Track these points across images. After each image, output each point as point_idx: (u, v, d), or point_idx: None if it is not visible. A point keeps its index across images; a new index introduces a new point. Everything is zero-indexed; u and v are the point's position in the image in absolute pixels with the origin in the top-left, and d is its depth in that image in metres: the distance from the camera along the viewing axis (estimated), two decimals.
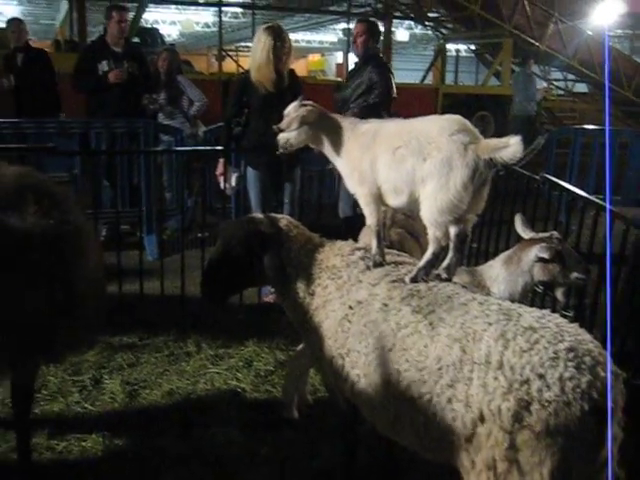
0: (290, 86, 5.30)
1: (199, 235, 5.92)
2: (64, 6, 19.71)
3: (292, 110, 3.02)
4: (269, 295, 5.34)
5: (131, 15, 9.63)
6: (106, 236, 6.57)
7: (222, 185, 5.50)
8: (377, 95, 5.95)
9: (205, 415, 3.91)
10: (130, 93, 6.85)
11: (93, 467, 3.46)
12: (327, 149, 3.03)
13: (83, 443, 3.61)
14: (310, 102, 3.07)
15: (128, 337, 4.79)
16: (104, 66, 6.76)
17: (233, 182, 5.53)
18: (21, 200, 2.60)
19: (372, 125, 2.95)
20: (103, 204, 6.38)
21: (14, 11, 23.76)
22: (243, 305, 5.25)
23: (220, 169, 5.46)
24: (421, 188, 2.69)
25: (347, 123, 2.99)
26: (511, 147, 2.53)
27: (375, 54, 6.28)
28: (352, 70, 6.48)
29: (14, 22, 8.17)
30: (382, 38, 19.89)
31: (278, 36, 5.13)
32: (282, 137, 3.03)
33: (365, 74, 6.03)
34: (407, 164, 2.70)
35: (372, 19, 7.24)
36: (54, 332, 2.78)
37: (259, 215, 3.24)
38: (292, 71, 5.49)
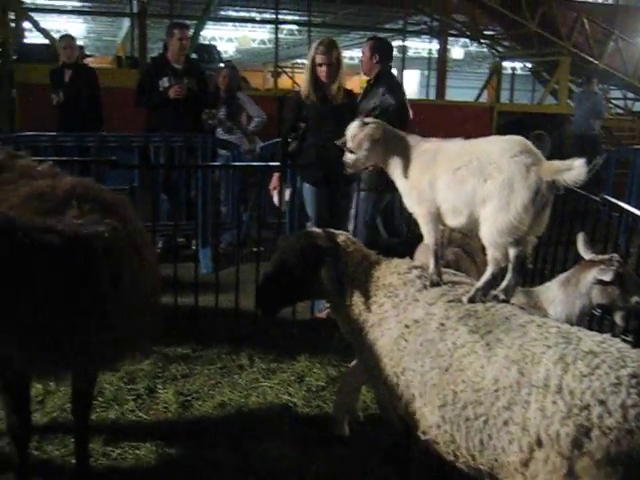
0: (346, 103, 5.35)
1: (254, 249, 5.99)
2: (126, 23, 20.28)
3: (356, 130, 3.04)
4: (322, 311, 5.36)
5: (190, 32, 9.82)
6: (162, 248, 6.69)
7: (275, 200, 5.57)
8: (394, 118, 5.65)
9: (257, 429, 3.93)
10: (189, 109, 6.99)
11: (146, 475, 3.52)
12: (388, 166, 3.04)
13: (137, 451, 3.67)
14: (372, 119, 3.10)
15: (182, 348, 4.86)
16: (165, 82, 6.93)
17: (287, 197, 5.59)
18: (66, 206, 2.67)
19: (433, 144, 2.96)
20: (160, 217, 6.51)
21: (79, 28, 24.55)
22: (295, 320, 5.28)
23: (274, 183, 5.53)
24: (481, 209, 2.68)
25: (411, 140, 3.00)
26: (575, 170, 2.50)
27: (385, 73, 6.10)
28: (363, 91, 6.30)
29: (66, 38, 8.36)
30: (437, 55, 20.02)
31: (325, 50, 5.20)
32: (350, 158, 3.06)
33: (377, 96, 5.90)
34: (467, 184, 2.70)
35: (381, 37, 7.15)
36: (107, 336, 2.83)
37: (317, 229, 3.27)
38: (349, 90, 5.53)
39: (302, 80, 5.36)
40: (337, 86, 5.32)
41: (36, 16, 13.73)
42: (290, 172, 5.85)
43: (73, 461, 3.41)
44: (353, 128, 3.06)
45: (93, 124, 7.78)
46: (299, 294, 3.33)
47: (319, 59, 5.22)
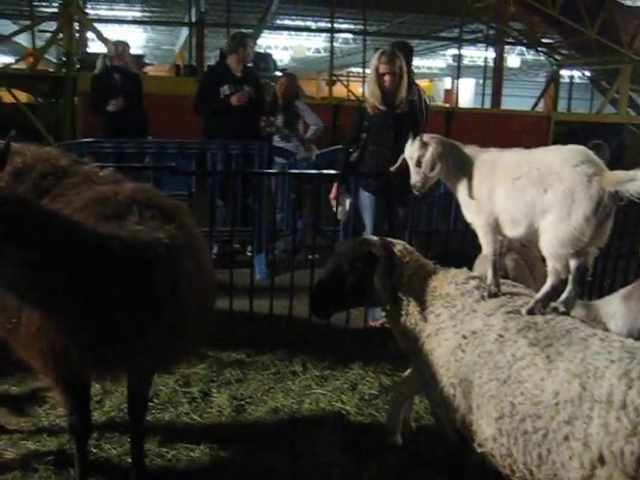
0: (408, 111, 5.35)
1: (309, 257, 6.02)
2: (184, 32, 20.65)
3: (419, 151, 3.04)
4: (376, 320, 5.36)
5: None
6: (217, 254, 6.78)
7: (335, 209, 5.60)
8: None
9: (309, 435, 3.95)
10: (248, 116, 7.08)
11: (199, 477, 3.57)
12: (447, 177, 3.04)
13: (191, 453, 3.72)
14: (429, 135, 3.10)
15: (237, 353, 4.92)
16: (226, 90, 7.04)
17: (347, 206, 5.61)
18: (127, 211, 2.73)
19: (492, 154, 2.94)
20: (216, 222, 6.60)
21: (139, 38, 25.13)
22: (349, 328, 5.29)
23: (334, 193, 5.56)
24: (541, 219, 2.65)
25: (469, 151, 2.99)
26: (638, 180, 2.45)
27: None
28: None
29: (122, 44, 8.43)
30: (493, 64, 19.80)
31: (387, 60, 5.22)
32: (418, 179, 3.07)
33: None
34: (527, 195, 2.67)
35: (401, 41, 7.07)
36: (164, 339, 2.89)
37: (374, 237, 3.28)
38: (411, 99, 5.52)
39: (367, 87, 5.36)
40: (401, 95, 5.32)
41: (99, 26, 14.11)
42: (349, 181, 5.86)
43: (129, 460, 3.47)
44: (415, 149, 3.06)
45: (139, 130, 7.83)
46: (351, 300, 3.33)
47: (382, 68, 5.24)
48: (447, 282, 3.00)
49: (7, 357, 3.10)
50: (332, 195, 5.58)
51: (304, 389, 4.49)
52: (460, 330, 2.73)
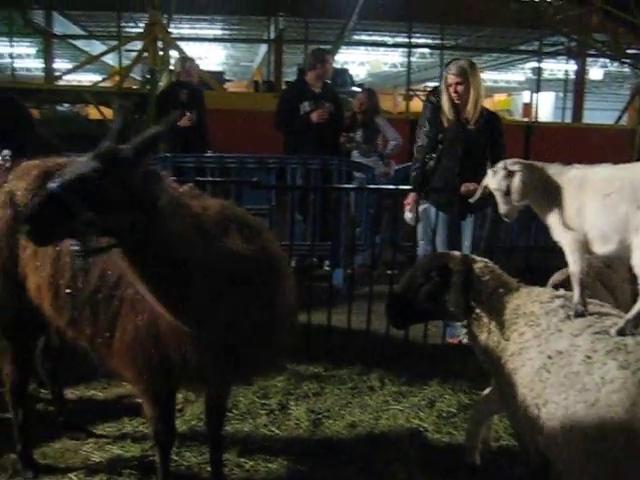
0: (486, 129, 5.27)
1: (387, 272, 6.01)
2: (263, 49, 21.06)
3: (505, 180, 3.01)
4: (454, 337, 5.29)
5: None
6: (295, 267, 6.84)
7: (406, 214, 5.56)
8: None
9: (386, 451, 3.93)
10: (328, 132, 7.14)
11: None
12: (532, 199, 2.99)
13: (269, 465, 3.76)
14: (512, 161, 3.05)
15: (314, 367, 4.94)
16: (306, 106, 7.13)
17: (420, 212, 5.56)
18: (225, 229, 2.77)
19: (579, 171, 2.89)
20: (295, 237, 6.67)
21: (219, 55, 25.74)
22: (427, 344, 5.24)
23: (409, 199, 5.52)
24: (634, 236, 2.58)
25: (552, 169, 2.95)
26: None
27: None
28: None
29: (189, 60, 8.61)
30: (574, 77, 19.36)
31: (456, 71, 5.14)
32: (507, 207, 3.04)
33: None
34: (619, 211, 2.61)
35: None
36: (257, 353, 2.95)
37: (456, 252, 3.26)
38: (492, 114, 5.43)
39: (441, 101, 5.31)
40: (472, 108, 5.20)
41: (181, 44, 14.55)
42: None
43: (209, 469, 3.55)
44: (500, 179, 3.02)
45: (200, 145, 7.90)
46: (425, 312, 3.32)
47: (450, 79, 5.16)
48: (531, 300, 2.95)
49: (93, 364, 3.25)
50: (407, 201, 5.53)
51: (381, 404, 4.47)
52: (545, 350, 2.68)
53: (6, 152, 4.11)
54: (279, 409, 4.40)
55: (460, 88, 5.13)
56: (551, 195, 2.89)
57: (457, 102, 5.19)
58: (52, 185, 2.22)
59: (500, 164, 3.07)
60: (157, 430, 3.12)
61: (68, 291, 2.99)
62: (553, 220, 2.90)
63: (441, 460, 3.84)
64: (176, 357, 2.74)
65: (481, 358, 3.19)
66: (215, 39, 23.04)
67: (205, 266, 2.53)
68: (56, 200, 2.19)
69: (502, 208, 3.06)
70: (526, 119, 21.05)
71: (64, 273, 3.02)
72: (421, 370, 4.90)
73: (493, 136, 5.26)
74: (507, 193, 3.02)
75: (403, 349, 5.11)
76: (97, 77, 21.18)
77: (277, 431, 4.14)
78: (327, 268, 7.06)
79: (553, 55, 21.83)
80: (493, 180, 3.07)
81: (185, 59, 8.71)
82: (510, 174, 3.00)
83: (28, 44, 22.32)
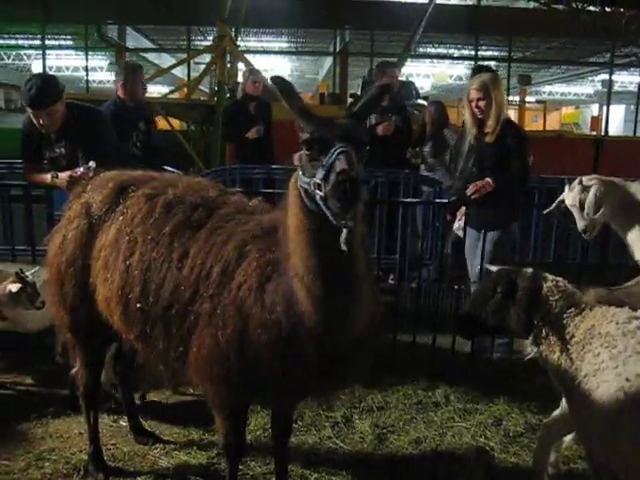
0: (505, 144, 5.05)
1: (455, 287, 5.96)
2: (328, 61, 21.21)
3: (579, 194, 2.98)
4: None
5: None
6: None
7: (456, 224, 5.50)
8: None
9: (451, 468, 3.89)
10: (395, 145, 7.13)
11: None
12: (614, 217, 2.94)
13: (333, 477, 3.77)
14: (593, 176, 3.02)
15: (379, 381, 4.89)
16: (372, 119, 7.14)
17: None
18: None
19: None
20: None
21: (285, 67, 26.07)
22: (494, 360, 5.16)
23: (461, 212, 5.46)
24: None
25: (633, 186, 2.88)
26: None
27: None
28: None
29: (256, 73, 8.75)
30: None
31: (477, 85, 5.08)
32: (584, 223, 3.00)
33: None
34: None
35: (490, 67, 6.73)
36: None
37: (528, 269, 3.21)
38: (516, 130, 5.29)
39: None
40: (494, 122, 5.04)
41: (248, 57, 14.78)
42: None
43: (274, 479, 3.57)
44: (576, 194, 3.00)
45: (267, 157, 7.97)
46: (493, 328, 3.26)
47: (472, 94, 5.12)
48: (607, 321, 2.87)
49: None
50: (459, 212, 5.47)
51: (446, 421, 4.43)
52: (622, 372, 2.61)
53: (92, 164, 4.28)
54: (343, 422, 4.40)
55: (482, 103, 5.06)
56: (633, 213, 2.83)
57: (480, 117, 5.13)
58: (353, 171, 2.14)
59: (577, 180, 3.04)
60: (227, 442, 3.11)
61: (139, 305, 2.99)
62: (635, 239, 2.83)
63: None
64: (270, 373, 2.71)
65: (553, 378, 3.13)
66: (281, 52, 23.34)
67: (361, 258, 2.49)
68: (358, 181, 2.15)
69: (580, 224, 3.02)
70: (594, 132, 20.55)
71: (134, 287, 3.01)
72: (487, 387, 4.81)
73: (512, 152, 5.06)
74: (582, 208, 2.99)
75: (469, 365, 5.03)
76: (166, 89, 21.72)
77: (341, 444, 4.15)
78: (392, 282, 7.03)
79: (625, 67, 21.30)
80: (569, 195, 3.03)
81: (252, 71, 8.84)
82: (586, 189, 2.96)
83: (102, 57, 23.11)
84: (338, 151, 2.17)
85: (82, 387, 3.71)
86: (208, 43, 16.46)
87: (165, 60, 21.41)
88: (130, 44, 19.46)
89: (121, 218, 3.18)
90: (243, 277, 2.72)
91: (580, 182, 2.98)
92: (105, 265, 3.17)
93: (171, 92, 16.33)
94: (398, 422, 4.41)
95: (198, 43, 19.71)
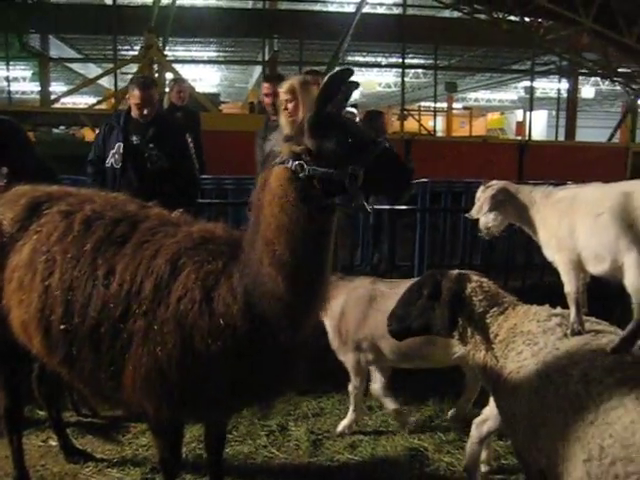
0: None
1: None
2: (257, 70, 21.23)
3: (480, 193, 3.10)
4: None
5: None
6: None
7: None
8: None
9: (387, 471, 3.94)
10: None
11: None
12: (523, 221, 3.04)
13: None
14: (495, 182, 3.12)
15: (313, 387, 4.89)
16: None
17: None
18: (238, 250, 2.73)
19: (568, 191, 2.93)
20: None
21: (214, 77, 25.95)
22: None
23: None
24: (625, 256, 2.60)
25: (538, 192, 3.00)
26: None
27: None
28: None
29: (179, 82, 8.61)
30: (566, 95, 19.47)
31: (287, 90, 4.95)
32: (481, 223, 3.10)
33: None
34: (610, 231, 2.63)
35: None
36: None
37: (453, 271, 3.29)
38: None
39: None
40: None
41: (176, 66, 14.66)
42: None
43: None
44: (477, 196, 3.12)
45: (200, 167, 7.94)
46: (422, 328, 3.28)
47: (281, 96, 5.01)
48: (528, 319, 2.97)
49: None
50: None
51: (381, 424, 4.49)
52: (543, 368, 2.70)
53: (4, 169, 4.16)
54: (279, 430, 4.41)
55: (290, 105, 4.98)
56: (541, 217, 2.93)
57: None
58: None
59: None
60: (164, 458, 3.07)
61: (62, 327, 2.85)
62: (546, 241, 2.93)
63: None
64: (218, 383, 2.72)
65: (479, 376, 3.22)
66: (210, 61, 23.23)
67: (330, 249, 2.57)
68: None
69: (480, 221, 3.11)
70: (519, 137, 21.19)
71: (56, 308, 2.87)
72: (420, 389, 4.89)
73: None
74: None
75: (402, 368, 5.09)
76: (93, 99, 21.31)
77: (277, 452, 4.15)
78: None
79: (545, 74, 22.08)
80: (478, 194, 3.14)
81: (177, 81, 8.72)
82: (486, 189, 3.08)
83: (24, 67, 22.49)
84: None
85: (2, 409, 3.56)
86: (135, 53, 16.23)
87: (91, 70, 21.03)
88: (54, 53, 19.03)
89: (35, 237, 3.03)
90: (183, 290, 2.68)
91: (485, 184, 3.09)
92: (20, 286, 3.00)
93: (98, 103, 16.04)
94: (333, 427, 4.44)
95: (125, 53, 19.41)
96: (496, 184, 3.11)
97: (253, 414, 4.48)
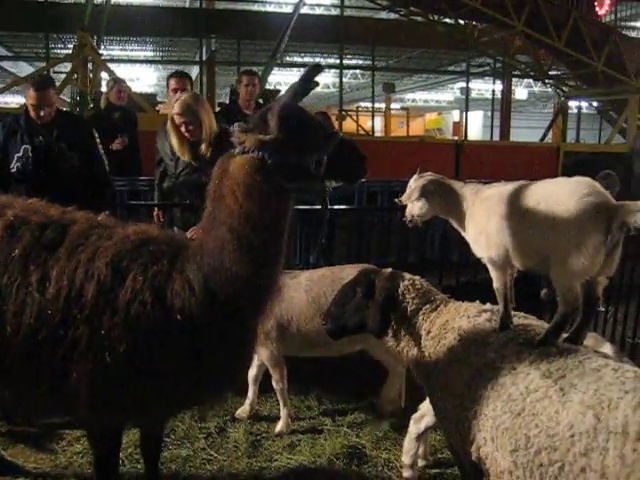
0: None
1: None
2: (195, 70, 21.00)
3: (412, 182, 3.14)
4: None
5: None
6: None
7: None
8: None
9: (326, 469, 3.97)
10: None
11: None
12: (452, 216, 3.09)
13: None
14: (429, 173, 3.17)
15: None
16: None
17: None
18: (180, 250, 2.80)
19: (496, 189, 2.97)
20: None
21: (151, 77, 25.54)
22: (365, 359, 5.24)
23: None
24: (551, 251, 2.68)
25: (469, 189, 3.05)
26: None
27: None
28: None
29: (119, 82, 8.51)
30: (500, 96, 19.92)
31: (182, 109, 4.48)
32: (407, 209, 3.14)
33: None
34: (536, 227, 2.70)
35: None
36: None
37: (386, 270, 3.34)
38: None
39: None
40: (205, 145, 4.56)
41: (112, 66, 14.38)
42: None
43: None
44: (411, 179, 3.17)
45: (131, 168, 7.84)
46: (355, 325, 3.31)
47: (177, 119, 4.53)
48: (459, 315, 3.04)
49: None
50: None
51: (319, 424, 4.51)
52: (473, 362, 2.76)
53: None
54: (217, 432, 4.40)
55: (192, 127, 4.51)
56: (469, 214, 2.99)
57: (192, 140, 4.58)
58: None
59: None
60: (102, 465, 3.01)
61: None
62: (475, 237, 2.99)
63: (379, 477, 3.90)
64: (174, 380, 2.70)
65: (414, 372, 3.27)
66: (146, 60, 22.85)
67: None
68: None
69: (408, 209, 3.15)
70: (456, 138, 21.57)
71: None
72: (356, 387, 4.92)
73: None
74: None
75: (340, 367, 5.11)
76: (24, 99, 20.71)
77: (216, 455, 4.12)
78: None
79: (480, 75, 22.54)
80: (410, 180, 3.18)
81: (117, 80, 8.58)
82: (418, 179, 3.13)
83: None
84: None
85: None
86: (69, 51, 15.84)
87: (23, 69, 20.44)
88: None
89: None
90: (131, 294, 2.64)
91: (418, 174, 3.14)
92: None
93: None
94: (272, 429, 4.44)
95: (58, 51, 18.92)
96: (429, 175, 3.15)
97: (192, 417, 4.46)
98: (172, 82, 5.53)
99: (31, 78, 4.84)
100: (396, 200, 3.19)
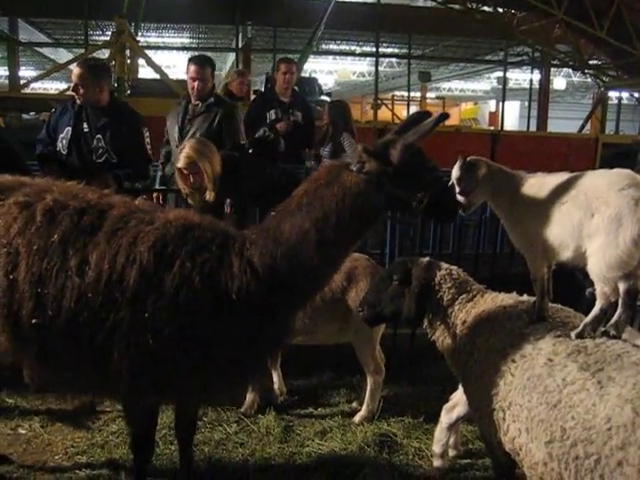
0: None
1: None
2: (231, 58, 21.09)
3: (457, 170, 3.02)
4: None
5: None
6: None
7: None
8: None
9: (356, 457, 3.97)
10: (294, 142, 6.99)
11: None
12: (494, 202, 3.04)
13: (239, 473, 3.77)
14: (477, 157, 3.09)
15: (284, 378, 4.84)
16: (272, 115, 7.07)
17: None
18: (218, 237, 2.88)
19: (538, 179, 2.93)
20: None
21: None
22: (396, 347, 5.23)
23: None
24: (588, 243, 2.64)
25: (516, 175, 2.99)
26: None
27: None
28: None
29: (243, 74, 8.58)
30: (538, 86, 19.65)
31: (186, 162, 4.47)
32: (461, 198, 3.04)
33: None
34: (574, 219, 2.66)
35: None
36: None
37: (423, 259, 3.33)
38: None
39: None
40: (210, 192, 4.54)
41: (149, 52, 14.52)
42: None
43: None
44: (457, 169, 3.04)
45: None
46: (391, 313, 3.34)
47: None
48: (495, 306, 3.02)
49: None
50: None
51: (351, 411, 4.51)
52: (509, 353, 2.75)
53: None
54: (249, 417, 4.41)
55: (193, 177, 4.48)
56: (511, 201, 2.95)
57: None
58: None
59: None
60: (137, 444, 3.10)
61: (34, 321, 2.74)
62: (513, 227, 2.96)
63: (410, 465, 3.90)
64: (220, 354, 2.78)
65: (449, 363, 3.26)
66: (183, 47, 23.01)
67: None
68: None
69: (458, 198, 3.06)
70: (492, 127, 21.35)
71: (24, 302, 2.75)
72: (389, 375, 4.90)
73: None
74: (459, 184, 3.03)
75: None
76: (63, 85, 21.00)
77: (248, 439, 4.15)
78: None
79: (518, 65, 22.25)
80: (455, 170, 3.06)
81: (239, 73, 8.59)
82: (464, 166, 3.02)
83: None
84: None
85: None
86: (107, 38, 16.03)
87: (62, 55, 20.72)
88: (23, 37, 18.72)
89: None
90: (180, 279, 2.68)
91: (464, 159, 3.03)
92: None
93: (69, 88, 15.82)
94: (303, 414, 4.47)
95: (96, 38, 19.15)
96: (479, 160, 3.03)
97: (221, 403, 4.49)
98: (191, 69, 5.46)
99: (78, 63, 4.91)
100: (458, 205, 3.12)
